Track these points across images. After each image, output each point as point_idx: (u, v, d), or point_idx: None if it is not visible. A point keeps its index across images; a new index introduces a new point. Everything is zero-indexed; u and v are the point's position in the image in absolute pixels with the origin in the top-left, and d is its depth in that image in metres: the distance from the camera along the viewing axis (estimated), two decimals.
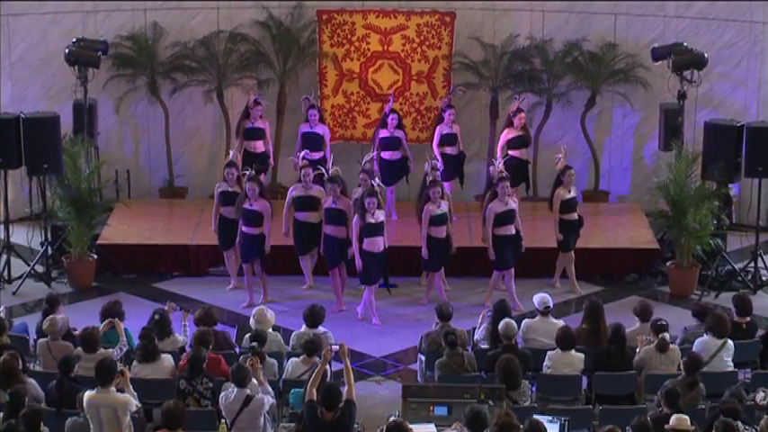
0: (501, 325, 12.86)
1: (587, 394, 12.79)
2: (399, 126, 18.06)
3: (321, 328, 13.40)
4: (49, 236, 17.36)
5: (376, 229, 15.36)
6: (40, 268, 17.19)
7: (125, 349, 12.82)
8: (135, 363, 12.48)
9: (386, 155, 17.94)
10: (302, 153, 16.98)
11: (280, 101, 19.40)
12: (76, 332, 13.01)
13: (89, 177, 17.18)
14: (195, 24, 19.44)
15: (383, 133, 18.00)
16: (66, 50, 17.87)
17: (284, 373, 12.59)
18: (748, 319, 13.66)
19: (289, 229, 16.27)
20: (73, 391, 11.53)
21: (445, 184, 16.60)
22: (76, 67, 17.81)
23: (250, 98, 18.11)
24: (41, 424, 10.84)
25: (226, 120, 19.31)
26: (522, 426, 10.34)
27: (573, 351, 12.78)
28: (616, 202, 19.48)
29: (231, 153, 16.88)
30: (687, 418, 10.80)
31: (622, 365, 12.75)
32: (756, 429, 11.00)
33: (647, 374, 12.66)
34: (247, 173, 15.95)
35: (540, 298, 13.72)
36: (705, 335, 13.01)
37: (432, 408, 11.65)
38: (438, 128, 18.14)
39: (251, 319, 13.32)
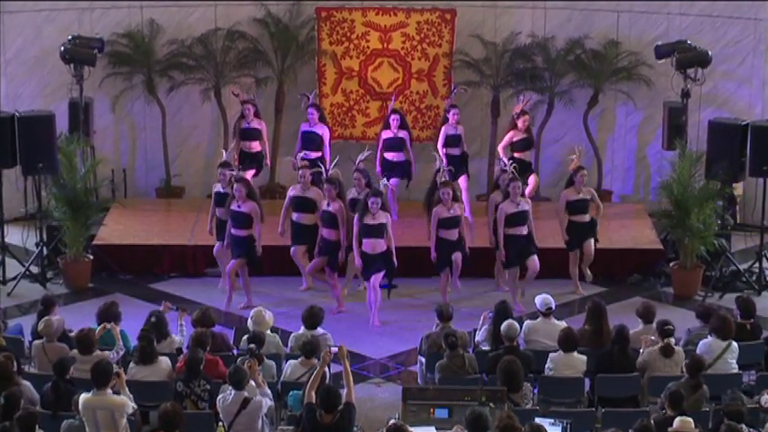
0: (503, 326, 12.85)
1: (590, 396, 12.78)
2: (403, 126, 18.01)
3: (320, 330, 13.39)
4: (44, 236, 17.35)
5: (374, 231, 15.32)
6: (35, 269, 17.18)
7: (122, 353, 12.80)
8: (132, 364, 12.47)
9: (389, 156, 17.92)
10: (300, 154, 16.98)
11: (278, 99, 19.40)
12: (72, 334, 13.00)
13: (85, 177, 17.18)
14: (192, 21, 19.44)
15: (386, 134, 17.96)
16: (62, 48, 17.86)
17: (283, 375, 12.59)
18: (752, 320, 13.65)
19: (285, 230, 16.27)
20: (68, 393, 11.52)
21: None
22: (72, 65, 17.81)
23: (239, 97, 18.14)
24: (36, 427, 10.82)
25: (223, 118, 19.30)
26: (523, 428, 10.33)
27: (575, 353, 12.77)
28: (619, 202, 19.47)
29: (225, 153, 16.83)
30: (691, 420, 10.78)
31: (625, 367, 12.73)
32: None
33: (651, 376, 12.65)
34: (235, 174, 15.93)
35: (541, 299, 13.71)
36: (709, 336, 13.00)
37: (432, 410, 11.64)
38: (443, 128, 18.11)
39: (249, 321, 13.31)
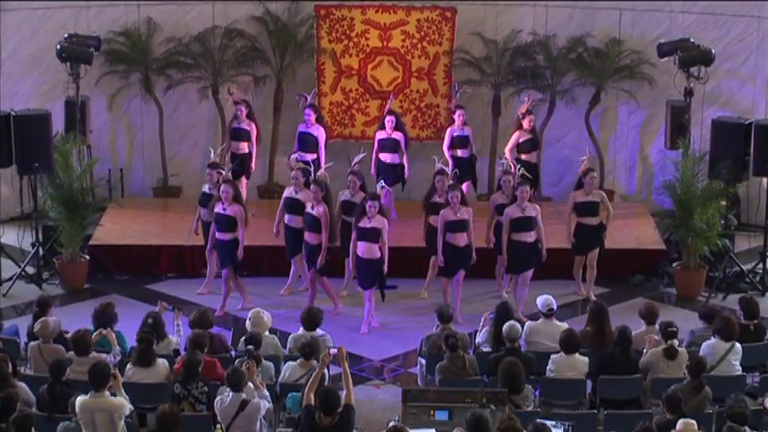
0: (505, 327, 12.85)
1: (592, 398, 12.78)
2: (399, 128, 17.98)
3: (319, 331, 13.38)
4: (40, 236, 17.36)
5: (368, 235, 15.31)
6: (30, 269, 17.18)
7: (119, 358, 12.79)
8: (129, 366, 12.45)
9: (384, 157, 17.90)
10: (294, 155, 16.95)
11: (276, 98, 19.41)
12: (68, 335, 12.99)
13: (81, 176, 17.18)
14: (190, 20, 19.44)
15: (381, 135, 17.95)
16: (58, 46, 17.86)
17: (281, 377, 12.59)
18: (756, 321, 13.66)
19: (279, 231, 16.26)
20: (64, 395, 11.52)
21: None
22: (68, 64, 17.80)
23: (233, 96, 18.17)
24: (32, 429, 10.81)
25: (221, 117, 19.30)
26: (525, 430, 10.33)
27: (577, 354, 12.77)
28: (621, 202, 19.47)
29: (212, 153, 16.72)
30: (694, 422, 10.77)
31: (628, 369, 12.73)
32: None
33: (653, 378, 12.65)
34: (223, 175, 15.91)
35: (543, 300, 13.71)
36: (712, 338, 13.00)
37: (432, 412, 11.63)
38: (448, 130, 18.11)
39: (247, 322, 13.32)
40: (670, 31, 19.00)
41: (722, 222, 17.06)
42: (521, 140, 17.88)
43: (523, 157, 17.76)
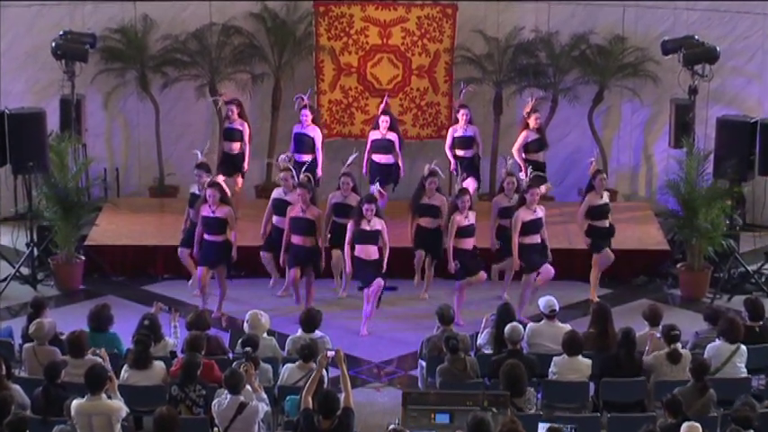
0: (507, 329, 12.85)
1: (595, 401, 12.78)
2: (393, 129, 17.93)
3: (318, 333, 13.38)
4: (34, 237, 17.35)
5: (369, 238, 15.30)
6: (25, 270, 17.19)
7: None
8: (125, 368, 12.45)
9: (377, 158, 17.83)
10: (282, 156, 16.90)
11: (275, 96, 19.41)
12: (63, 336, 12.99)
13: (76, 176, 17.19)
14: (187, 16, 19.44)
15: (374, 135, 17.88)
16: (53, 44, 17.87)
17: (279, 380, 12.59)
18: (761, 322, 13.65)
19: (266, 232, 16.22)
20: (59, 398, 11.52)
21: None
22: (63, 61, 17.82)
23: (223, 96, 18.12)
24: None
25: (219, 116, 19.30)
26: None
27: (580, 356, 12.77)
28: (624, 201, 19.47)
29: (199, 154, 16.57)
30: (699, 426, 10.76)
31: (631, 371, 12.74)
32: None
33: (657, 381, 12.64)
34: (206, 179, 15.84)
35: (545, 301, 13.70)
36: (717, 340, 13.00)
37: (433, 415, 11.64)
38: (450, 129, 18.09)
39: (245, 324, 13.31)
40: (674, 29, 19.00)
41: (727, 222, 17.05)
42: (529, 140, 17.80)
43: (531, 156, 17.71)
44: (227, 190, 15.80)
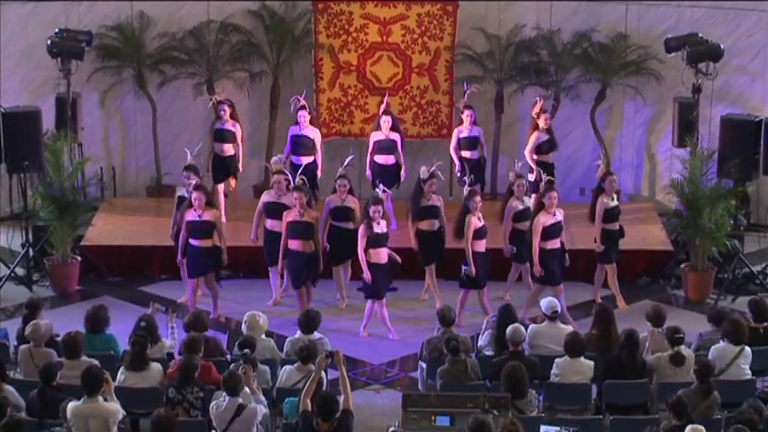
0: (508, 330, 12.86)
1: (597, 403, 12.79)
2: (395, 129, 17.91)
3: (317, 334, 13.38)
4: (30, 237, 17.36)
5: (381, 240, 15.29)
6: (20, 271, 17.19)
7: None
8: (122, 370, 12.46)
9: (379, 159, 17.80)
10: (273, 158, 16.86)
11: (273, 95, 19.41)
12: (59, 338, 12.99)
13: (72, 175, 17.18)
14: (184, 14, 19.45)
15: (376, 136, 17.82)
16: (49, 41, 17.87)
17: (278, 382, 12.59)
18: (766, 324, 13.66)
19: (258, 236, 16.19)
20: (55, 400, 11.51)
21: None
22: (59, 59, 17.81)
23: (217, 96, 18.08)
24: None
25: (216, 115, 19.27)
26: None
27: (582, 358, 12.78)
28: (627, 201, 19.47)
29: (188, 155, 16.51)
30: (703, 428, 10.75)
31: (634, 373, 12.74)
32: None
33: (660, 383, 12.65)
34: (194, 181, 15.79)
35: (547, 302, 13.71)
36: (721, 341, 13.01)
37: (433, 418, 11.64)
38: (456, 130, 18.07)
39: (243, 325, 13.31)
40: (677, 26, 19.01)
41: (731, 222, 17.06)
42: (540, 141, 17.73)
43: (542, 158, 17.65)
44: (222, 198, 15.73)
